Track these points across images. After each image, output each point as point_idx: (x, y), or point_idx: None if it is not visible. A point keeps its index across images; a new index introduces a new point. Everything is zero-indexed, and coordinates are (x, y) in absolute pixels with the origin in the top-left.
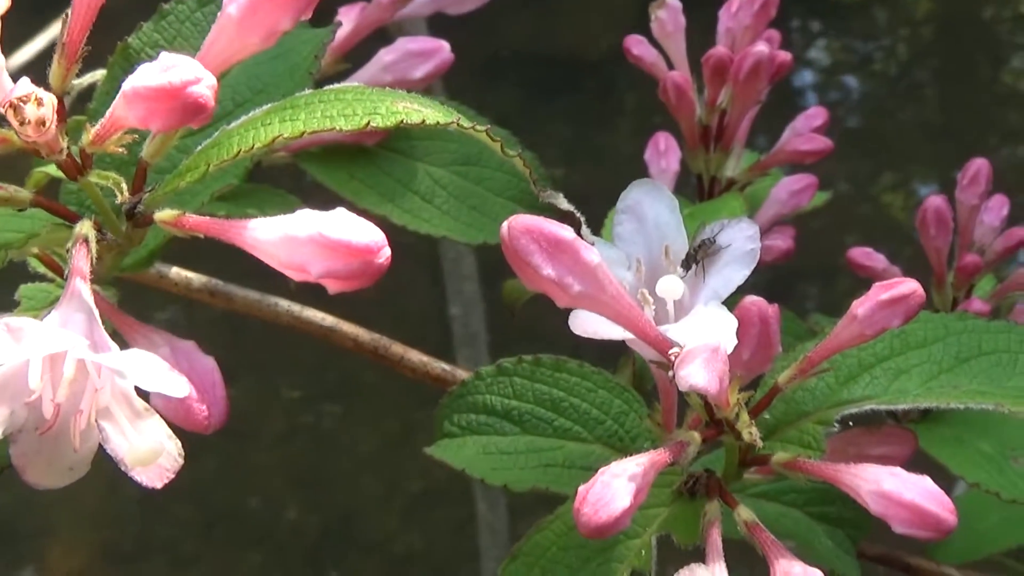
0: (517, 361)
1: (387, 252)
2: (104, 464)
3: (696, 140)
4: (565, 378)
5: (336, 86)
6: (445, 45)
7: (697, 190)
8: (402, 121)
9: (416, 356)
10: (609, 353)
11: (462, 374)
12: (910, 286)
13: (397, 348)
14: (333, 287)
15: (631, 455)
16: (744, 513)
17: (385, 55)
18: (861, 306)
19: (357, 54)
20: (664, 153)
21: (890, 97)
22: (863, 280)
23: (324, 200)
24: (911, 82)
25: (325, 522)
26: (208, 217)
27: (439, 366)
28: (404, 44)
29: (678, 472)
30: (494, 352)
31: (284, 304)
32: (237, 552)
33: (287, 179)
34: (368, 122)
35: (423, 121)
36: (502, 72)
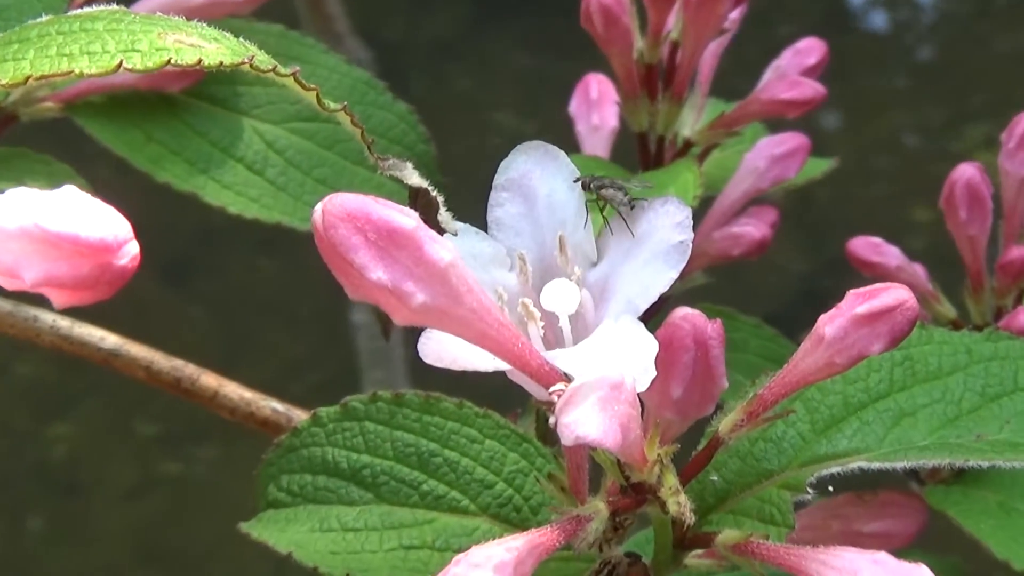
0: (370, 399)
1: (132, 250)
2: None
3: (636, 85)
4: (438, 423)
5: (86, 11)
6: None
7: (640, 156)
8: (169, 60)
9: (235, 391)
10: None
11: (300, 416)
12: (896, 295)
13: (209, 380)
14: (59, 299)
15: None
16: None
17: None
18: (830, 323)
19: None
20: (597, 103)
21: (980, 19)
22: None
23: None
24: None
25: None
26: None
27: (268, 406)
28: None
29: (589, 558)
30: (415, 376)
31: (47, 318)
32: None
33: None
34: (120, 62)
35: (199, 61)
36: None
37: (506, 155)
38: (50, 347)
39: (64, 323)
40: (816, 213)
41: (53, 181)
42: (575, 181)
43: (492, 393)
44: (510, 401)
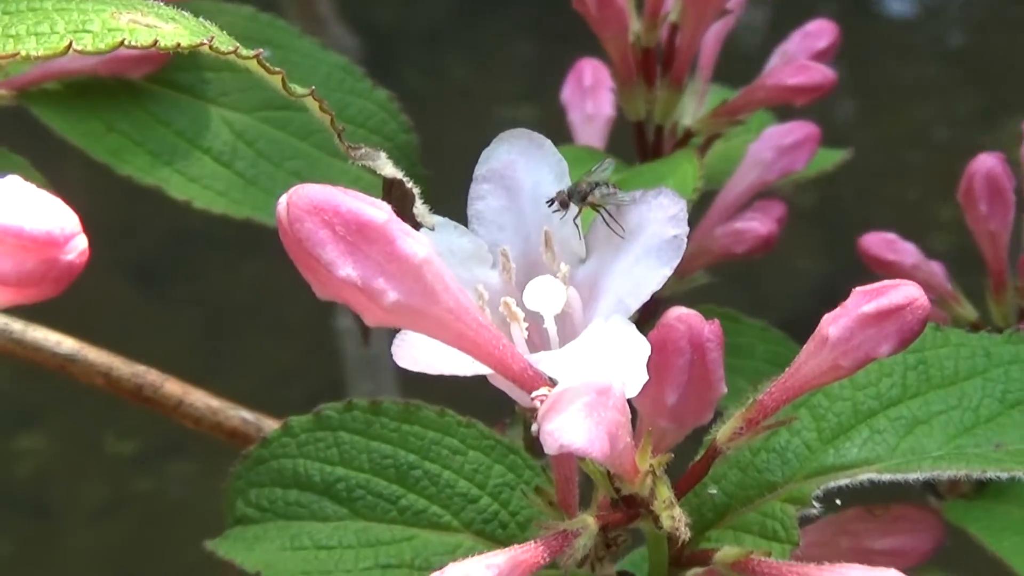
0: (345, 407)
1: (80, 245)
2: None
3: (632, 71)
4: (418, 433)
5: None
6: None
7: (637, 146)
8: (123, 42)
9: (201, 400)
10: None
11: (271, 426)
12: (906, 292)
13: (173, 387)
14: (2, 298)
15: None
16: None
17: None
18: (834, 323)
19: None
20: (591, 90)
21: (1015, 4)
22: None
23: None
24: None
25: None
26: None
27: (237, 415)
28: None
29: None
30: (406, 386)
31: None
32: None
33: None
34: (70, 44)
35: (155, 42)
36: None
37: None
38: (1, 352)
39: (17, 326)
40: (836, 211)
41: (6, 174)
42: (548, 203)
43: (486, 402)
44: (501, 410)
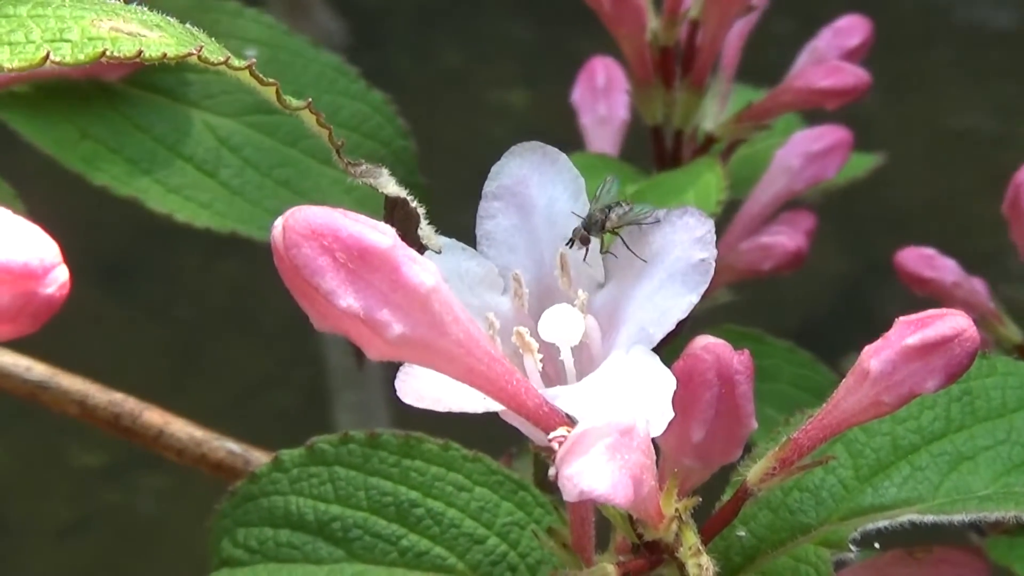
0: (341, 440)
1: (61, 276)
2: None
3: (649, 71)
4: (420, 468)
5: None
6: None
7: (654, 153)
8: (105, 52)
9: (183, 430)
10: None
11: (260, 459)
12: (954, 323)
13: (153, 416)
14: None
15: None
16: None
17: None
18: (875, 356)
19: None
20: (604, 92)
21: None
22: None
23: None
24: None
25: None
26: None
27: (222, 446)
28: None
29: None
30: (396, 399)
31: None
32: None
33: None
34: (47, 55)
35: (139, 53)
36: None
37: (503, 144)
38: None
39: None
40: (858, 205)
41: None
42: (568, 244)
43: (484, 429)
44: (505, 438)
